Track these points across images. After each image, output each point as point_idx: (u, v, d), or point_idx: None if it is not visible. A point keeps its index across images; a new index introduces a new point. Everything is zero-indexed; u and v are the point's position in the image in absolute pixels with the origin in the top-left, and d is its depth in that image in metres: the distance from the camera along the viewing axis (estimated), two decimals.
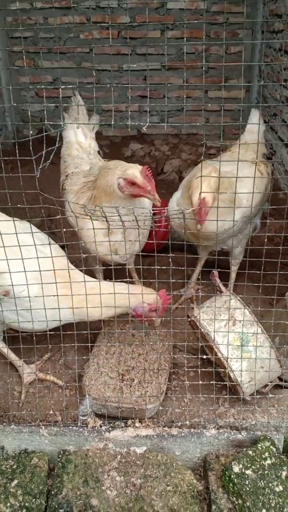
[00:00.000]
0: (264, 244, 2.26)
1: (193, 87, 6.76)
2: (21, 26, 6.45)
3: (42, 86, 5.78)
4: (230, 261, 3.27)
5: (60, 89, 2.21)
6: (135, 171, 2.61)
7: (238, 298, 2.55)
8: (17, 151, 2.01)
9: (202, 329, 2.49)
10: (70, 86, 2.69)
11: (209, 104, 6.54)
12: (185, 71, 6.60)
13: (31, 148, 1.94)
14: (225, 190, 2.72)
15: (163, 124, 6.30)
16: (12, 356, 2.75)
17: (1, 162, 2.05)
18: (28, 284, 2.32)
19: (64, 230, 2.35)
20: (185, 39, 6.44)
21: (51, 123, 2.14)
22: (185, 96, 6.79)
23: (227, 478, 2.17)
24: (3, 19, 6.60)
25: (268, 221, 3.67)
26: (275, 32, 5.44)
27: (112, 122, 2.26)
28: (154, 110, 6.87)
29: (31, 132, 2.24)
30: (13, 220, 2.39)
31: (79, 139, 3.38)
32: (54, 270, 2.27)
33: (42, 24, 6.58)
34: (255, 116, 3.49)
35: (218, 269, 2.63)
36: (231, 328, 2.45)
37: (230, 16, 6.35)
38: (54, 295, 2.35)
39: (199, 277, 3.49)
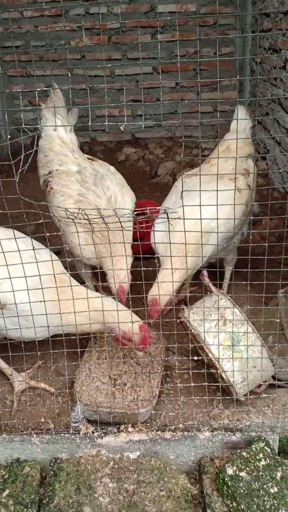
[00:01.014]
0: (257, 242, 2.23)
1: (186, 90, 6.75)
2: (12, 35, 6.47)
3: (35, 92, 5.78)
4: (223, 263, 3.24)
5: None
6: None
7: (228, 297, 2.52)
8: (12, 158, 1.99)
9: (193, 330, 2.46)
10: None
11: (202, 106, 6.53)
12: (179, 73, 6.59)
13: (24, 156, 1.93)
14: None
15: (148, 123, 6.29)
16: (2, 364, 2.72)
17: None
18: (14, 291, 2.28)
19: (52, 234, 2.32)
20: (178, 42, 6.44)
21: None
22: (180, 99, 6.78)
23: (221, 480, 2.13)
24: None
25: (262, 218, 3.64)
26: (265, 31, 5.43)
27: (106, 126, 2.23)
28: (148, 114, 6.86)
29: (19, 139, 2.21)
30: None
31: (60, 134, 3.32)
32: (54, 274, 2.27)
33: (32, 33, 6.60)
34: (239, 113, 3.40)
35: (208, 269, 2.60)
36: (222, 328, 2.41)
37: (220, 17, 6.34)
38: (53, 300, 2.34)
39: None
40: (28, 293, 2.25)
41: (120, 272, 2.74)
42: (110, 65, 6.65)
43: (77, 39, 6.61)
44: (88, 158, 3.36)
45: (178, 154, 6.21)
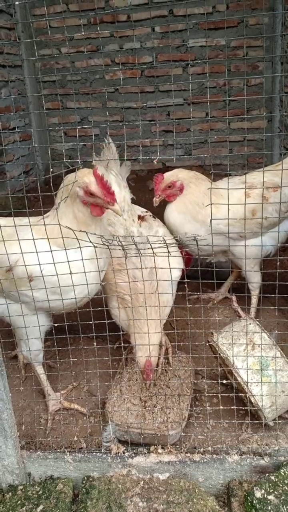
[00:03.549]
0: (286, 268, 2.30)
1: (216, 120, 6.92)
2: (51, 71, 6.82)
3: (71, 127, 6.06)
4: (247, 286, 3.31)
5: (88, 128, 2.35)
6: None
7: (257, 322, 2.58)
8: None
9: (221, 354, 2.52)
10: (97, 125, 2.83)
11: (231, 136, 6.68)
12: (208, 105, 6.78)
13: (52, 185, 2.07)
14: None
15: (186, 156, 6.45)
16: (45, 383, 2.79)
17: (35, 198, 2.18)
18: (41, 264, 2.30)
19: None
20: (207, 74, 6.65)
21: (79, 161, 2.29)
22: (209, 129, 6.97)
23: (249, 503, 2.16)
24: (33, 65, 6.99)
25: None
26: None
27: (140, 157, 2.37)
28: (178, 144, 7.05)
29: (51, 170, 2.38)
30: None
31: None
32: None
33: (69, 68, 6.94)
34: None
35: (237, 294, 2.68)
36: (250, 353, 2.47)
37: (250, 50, 6.53)
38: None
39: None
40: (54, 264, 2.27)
41: (145, 339, 2.55)
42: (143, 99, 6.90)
43: (111, 74, 6.91)
44: (139, 217, 3.07)
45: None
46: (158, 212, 3.29)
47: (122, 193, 3.11)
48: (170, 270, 2.53)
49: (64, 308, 2.46)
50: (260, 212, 3.06)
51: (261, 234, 3.15)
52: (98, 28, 6.45)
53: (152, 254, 2.28)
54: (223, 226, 2.92)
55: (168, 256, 2.23)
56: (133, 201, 3.22)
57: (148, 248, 2.33)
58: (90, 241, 2.19)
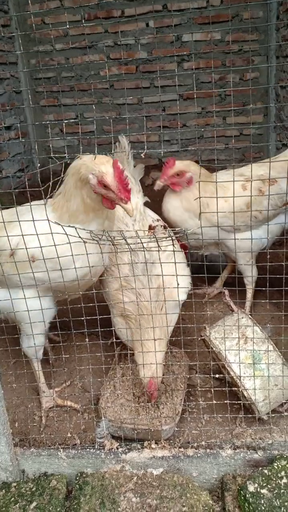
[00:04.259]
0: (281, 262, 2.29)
1: (211, 115, 6.90)
2: (44, 67, 6.80)
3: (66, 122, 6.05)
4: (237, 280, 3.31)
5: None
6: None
7: (249, 316, 2.57)
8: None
9: (214, 348, 2.51)
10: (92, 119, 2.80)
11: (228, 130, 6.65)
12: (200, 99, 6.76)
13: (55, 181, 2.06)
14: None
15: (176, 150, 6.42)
16: (42, 379, 2.79)
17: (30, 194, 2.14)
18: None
19: None
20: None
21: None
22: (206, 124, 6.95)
23: (242, 497, 2.15)
24: (27, 62, 6.96)
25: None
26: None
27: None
28: (174, 139, 7.03)
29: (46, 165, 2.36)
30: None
31: None
32: None
33: (63, 64, 6.91)
34: None
35: (229, 288, 2.67)
36: (243, 346, 2.46)
37: (244, 44, 6.50)
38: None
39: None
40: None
41: (152, 365, 2.46)
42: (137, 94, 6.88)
43: (105, 69, 6.88)
44: (149, 228, 2.84)
45: None
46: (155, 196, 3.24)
47: (135, 199, 2.86)
48: (178, 290, 2.47)
49: (67, 288, 2.42)
50: (255, 205, 3.05)
51: (250, 227, 3.15)
52: (83, 23, 6.42)
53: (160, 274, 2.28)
54: (220, 218, 2.85)
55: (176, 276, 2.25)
56: None
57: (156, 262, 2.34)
58: (96, 241, 2.17)
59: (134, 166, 3.16)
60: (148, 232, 2.78)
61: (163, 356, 2.54)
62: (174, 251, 2.24)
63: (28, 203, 2.24)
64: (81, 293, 2.48)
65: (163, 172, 3.16)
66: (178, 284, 2.33)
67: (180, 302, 2.65)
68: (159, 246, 2.16)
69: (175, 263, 2.21)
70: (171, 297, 2.51)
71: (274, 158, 3.48)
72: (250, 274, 3.29)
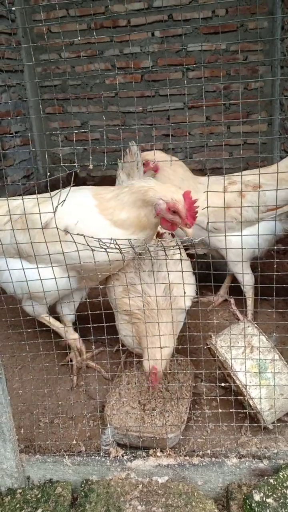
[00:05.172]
0: (286, 271, 2.30)
1: (216, 124, 6.94)
2: (51, 76, 6.86)
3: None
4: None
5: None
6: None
7: (255, 325, 2.58)
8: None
9: (220, 356, 2.52)
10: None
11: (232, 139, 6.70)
12: (203, 109, 6.80)
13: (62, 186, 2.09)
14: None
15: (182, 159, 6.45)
16: (56, 323, 2.85)
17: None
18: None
19: None
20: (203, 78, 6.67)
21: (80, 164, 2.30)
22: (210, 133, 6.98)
23: (247, 506, 2.15)
24: (33, 70, 7.02)
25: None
26: None
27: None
28: (179, 147, 7.06)
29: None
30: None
31: None
32: None
33: (69, 73, 6.96)
34: None
35: (235, 297, 2.68)
36: (249, 355, 2.47)
37: (249, 54, 6.55)
38: None
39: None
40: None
41: (156, 351, 2.44)
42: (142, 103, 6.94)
43: (111, 78, 6.93)
44: (158, 234, 2.88)
45: None
46: None
47: None
48: (185, 299, 2.57)
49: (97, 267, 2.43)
50: (233, 208, 3.07)
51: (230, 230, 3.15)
52: (94, 33, 6.48)
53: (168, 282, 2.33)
54: (199, 217, 2.66)
55: (183, 284, 2.28)
56: None
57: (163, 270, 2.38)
58: (119, 250, 2.20)
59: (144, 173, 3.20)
60: (157, 238, 2.82)
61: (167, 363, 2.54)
62: (181, 259, 2.25)
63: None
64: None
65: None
66: (184, 293, 2.35)
67: (185, 309, 2.67)
68: (166, 253, 2.18)
69: (182, 271, 2.23)
70: (177, 304, 2.53)
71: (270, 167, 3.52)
72: (244, 282, 3.28)
